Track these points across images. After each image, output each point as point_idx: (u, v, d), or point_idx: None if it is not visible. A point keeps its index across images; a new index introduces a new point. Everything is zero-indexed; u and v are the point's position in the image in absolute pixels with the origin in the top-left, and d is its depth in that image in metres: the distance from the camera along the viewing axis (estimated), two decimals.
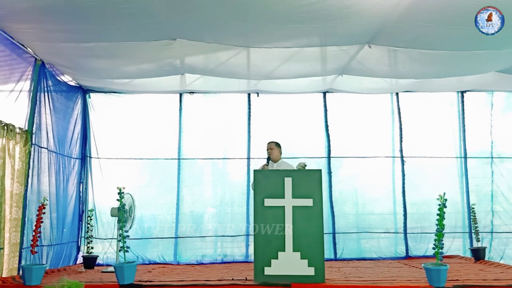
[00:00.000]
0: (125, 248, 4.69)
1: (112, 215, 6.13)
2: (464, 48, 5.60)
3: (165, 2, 4.47)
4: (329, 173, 7.67)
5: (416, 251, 7.55)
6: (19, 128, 5.46)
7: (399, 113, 7.89)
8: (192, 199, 7.62)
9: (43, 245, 5.87)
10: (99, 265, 6.79)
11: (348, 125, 7.84)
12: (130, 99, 7.78)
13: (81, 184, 7.45)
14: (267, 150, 6.04)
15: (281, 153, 6.04)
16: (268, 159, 5.96)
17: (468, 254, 7.35)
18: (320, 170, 4.84)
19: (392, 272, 5.69)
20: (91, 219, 6.96)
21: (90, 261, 6.58)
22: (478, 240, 7.08)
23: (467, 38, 5.23)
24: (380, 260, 7.33)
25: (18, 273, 5.15)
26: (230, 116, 7.83)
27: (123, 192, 4.94)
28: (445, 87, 7.69)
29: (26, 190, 5.52)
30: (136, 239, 7.20)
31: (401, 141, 7.82)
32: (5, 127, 5.11)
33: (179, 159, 7.67)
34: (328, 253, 7.23)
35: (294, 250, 4.56)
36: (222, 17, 4.86)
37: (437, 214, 4.52)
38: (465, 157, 7.82)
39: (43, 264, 5.26)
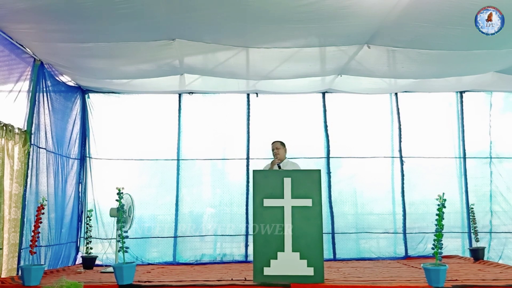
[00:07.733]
0: (124, 249, 4.69)
1: (111, 216, 6.14)
2: (463, 48, 5.61)
3: (164, 2, 4.47)
4: (328, 173, 7.67)
5: (415, 251, 7.55)
6: (18, 129, 5.44)
7: (398, 113, 7.89)
8: (192, 199, 7.63)
9: (42, 246, 5.86)
10: (98, 265, 6.77)
11: (347, 125, 7.84)
12: (129, 99, 7.78)
13: (80, 184, 7.45)
14: (273, 150, 5.75)
15: (286, 152, 5.88)
16: (278, 166, 5.64)
17: (467, 254, 7.35)
18: (319, 170, 4.83)
19: (391, 272, 5.69)
20: (90, 220, 6.95)
21: (89, 262, 6.57)
22: (477, 240, 7.07)
23: (466, 38, 5.23)
24: (379, 260, 7.32)
25: (17, 274, 5.14)
26: (229, 116, 7.82)
27: (122, 193, 4.93)
28: (444, 87, 7.70)
29: (25, 191, 5.51)
30: (136, 238, 7.20)
31: (400, 141, 7.82)
32: (4, 128, 5.10)
33: (178, 159, 7.67)
34: (327, 253, 7.22)
35: (293, 250, 4.55)
36: (221, 17, 4.86)
37: (436, 214, 4.52)
38: (464, 157, 7.82)
39: (42, 265, 5.25)
